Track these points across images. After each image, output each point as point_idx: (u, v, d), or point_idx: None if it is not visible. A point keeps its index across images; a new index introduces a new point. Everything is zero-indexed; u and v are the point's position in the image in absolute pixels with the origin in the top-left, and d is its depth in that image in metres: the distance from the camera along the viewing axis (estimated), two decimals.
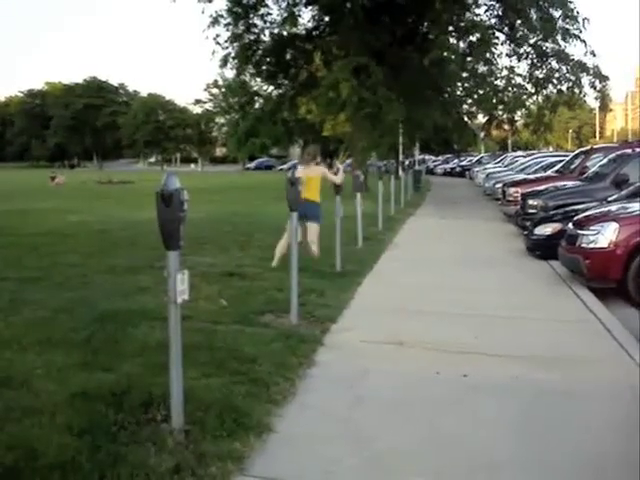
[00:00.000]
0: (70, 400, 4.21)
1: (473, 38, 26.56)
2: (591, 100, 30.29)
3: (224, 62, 27.78)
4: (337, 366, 5.48)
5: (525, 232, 12.63)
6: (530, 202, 14.41)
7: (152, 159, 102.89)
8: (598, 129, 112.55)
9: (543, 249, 11.11)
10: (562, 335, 6.66)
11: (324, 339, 6.17)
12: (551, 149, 64.94)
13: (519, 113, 27.85)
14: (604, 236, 8.70)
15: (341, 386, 4.99)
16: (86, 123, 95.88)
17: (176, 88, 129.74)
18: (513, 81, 26.36)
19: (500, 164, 37.39)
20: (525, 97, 26.90)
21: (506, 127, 29.96)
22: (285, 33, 28.45)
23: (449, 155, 64.34)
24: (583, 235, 8.94)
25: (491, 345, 6.19)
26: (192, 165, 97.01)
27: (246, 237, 12.93)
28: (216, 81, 79.64)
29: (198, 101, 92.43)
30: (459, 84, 29.61)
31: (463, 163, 56.05)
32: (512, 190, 17.99)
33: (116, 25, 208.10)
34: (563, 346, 6.22)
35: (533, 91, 26.99)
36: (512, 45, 26.91)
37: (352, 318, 7.12)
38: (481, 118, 32.34)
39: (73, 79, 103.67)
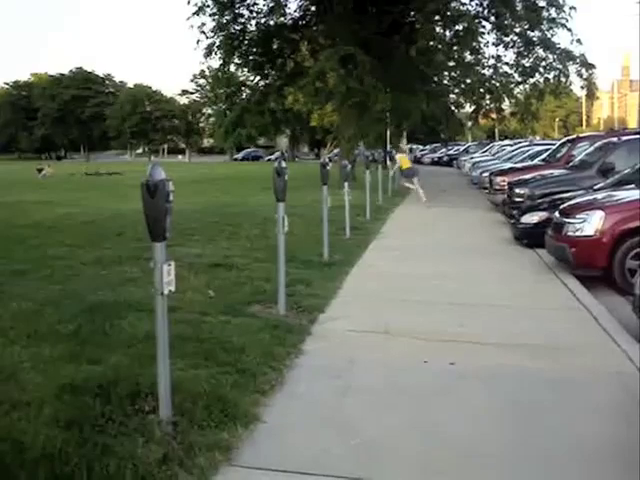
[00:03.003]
0: (57, 392, 4.21)
1: (459, 27, 26.56)
2: (577, 89, 30.42)
3: (209, 52, 27.63)
4: (325, 355, 5.50)
5: (512, 221, 12.68)
6: (517, 191, 14.46)
7: (139, 150, 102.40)
8: (585, 117, 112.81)
9: (530, 237, 11.17)
10: (548, 323, 6.69)
11: (312, 329, 6.19)
12: (538, 138, 65.09)
13: (506, 102, 27.90)
14: (590, 224, 8.75)
15: (329, 375, 5.01)
16: (73, 114, 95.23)
17: (163, 79, 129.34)
18: (500, 70, 26.44)
19: (487, 153, 37.45)
20: (512, 86, 26.96)
21: (494, 116, 29.99)
22: (272, 23, 28.37)
23: (436, 144, 64.36)
24: (569, 223, 8.99)
25: (477, 333, 6.21)
26: (179, 156, 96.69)
27: (234, 228, 12.92)
28: (203, 71, 79.16)
29: (185, 92, 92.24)
30: (446, 73, 29.65)
31: (450, 152, 56.03)
32: (499, 179, 18.04)
33: (102, 15, 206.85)
34: (549, 334, 6.26)
35: (520, 80, 27.07)
36: (498, 34, 26.94)
37: (339, 308, 7.13)
38: (468, 107, 32.39)
39: (59, 70, 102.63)
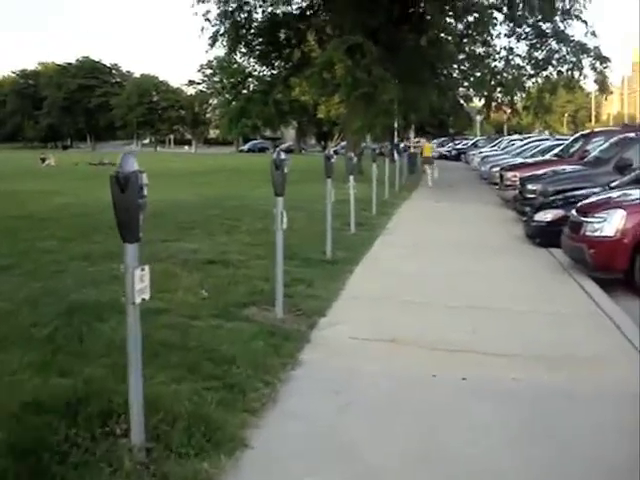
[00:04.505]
0: (18, 412, 3.71)
1: (471, 18, 25.96)
2: (590, 83, 29.78)
3: (214, 40, 27.02)
4: (324, 367, 5.00)
5: (524, 218, 12.15)
6: (529, 187, 13.94)
7: (146, 140, 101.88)
8: (594, 113, 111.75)
9: (543, 236, 10.64)
10: (566, 330, 6.18)
11: (311, 335, 5.69)
12: (547, 133, 64.24)
13: (518, 95, 27.27)
14: (610, 224, 8.22)
15: (327, 391, 4.51)
16: (79, 104, 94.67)
17: (170, 69, 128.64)
18: (512, 62, 25.81)
19: (496, 147, 36.86)
20: (524, 79, 26.35)
21: (506, 110, 29.33)
22: (278, 12, 27.78)
23: (444, 138, 63.68)
24: (588, 223, 8.46)
25: (490, 342, 5.71)
26: (186, 147, 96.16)
27: (234, 221, 12.41)
28: (210, 62, 78.49)
29: (192, 82, 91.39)
30: (455, 66, 29.08)
31: (458, 146, 55.45)
32: (510, 174, 17.52)
33: (111, 4, 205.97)
34: (568, 343, 5.76)
35: (532, 72, 26.43)
36: (511, 25, 26.29)
37: (342, 311, 6.64)
38: (477, 101, 31.80)
39: (66, 59, 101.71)
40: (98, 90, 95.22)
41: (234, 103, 31.27)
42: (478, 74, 27.05)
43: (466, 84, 29.26)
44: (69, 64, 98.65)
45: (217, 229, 11.43)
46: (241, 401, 4.12)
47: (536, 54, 26.00)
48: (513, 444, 3.82)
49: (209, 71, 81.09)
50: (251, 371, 4.56)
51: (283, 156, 6.21)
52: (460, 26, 27.59)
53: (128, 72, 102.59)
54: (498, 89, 26.70)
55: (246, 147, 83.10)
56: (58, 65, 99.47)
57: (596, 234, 8.30)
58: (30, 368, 4.40)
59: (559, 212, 10.57)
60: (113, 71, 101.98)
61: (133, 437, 3.42)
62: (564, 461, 3.61)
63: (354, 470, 3.48)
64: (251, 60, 29.46)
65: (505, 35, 26.51)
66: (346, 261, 9.10)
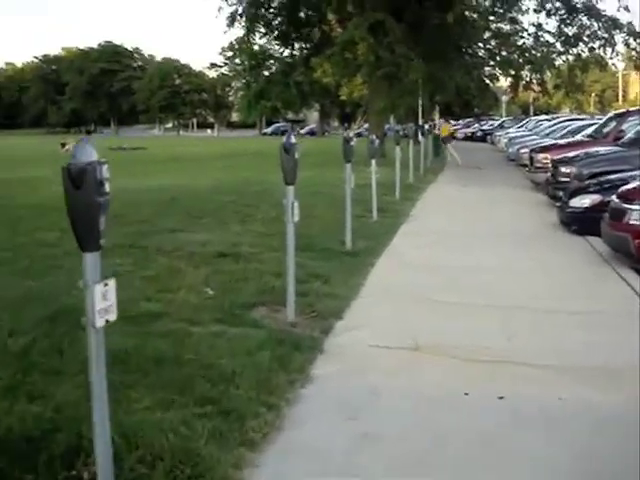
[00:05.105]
0: None
1: None
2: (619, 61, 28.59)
3: (232, 20, 26.19)
4: (338, 384, 4.34)
5: (558, 203, 11.34)
6: (562, 169, 13.11)
7: (169, 124, 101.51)
8: (621, 93, 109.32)
9: (580, 224, 9.86)
10: (615, 335, 5.43)
11: (325, 343, 5.03)
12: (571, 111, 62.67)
13: (548, 73, 26.23)
14: None
15: (341, 416, 3.86)
16: (101, 88, 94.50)
17: (192, 52, 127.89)
18: (541, 39, 24.79)
19: (523, 128, 35.81)
20: (554, 56, 25.32)
21: (535, 89, 28.24)
22: None
23: (470, 119, 62.45)
24: (632, 210, 7.69)
25: (529, 350, 5.01)
26: (208, 130, 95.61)
27: (249, 209, 11.76)
28: (231, 44, 77.76)
29: (214, 65, 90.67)
30: (481, 45, 28.14)
31: (484, 127, 54.25)
32: (541, 156, 16.69)
33: None
34: (619, 351, 5.01)
35: (562, 50, 25.36)
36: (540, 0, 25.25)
37: (361, 312, 5.97)
38: (504, 81, 30.81)
39: (88, 44, 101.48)
40: (120, 74, 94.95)
41: (254, 85, 30.54)
42: (504, 53, 26.07)
43: (492, 63, 28.32)
44: (91, 49, 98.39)
45: (231, 217, 10.79)
46: (238, 431, 3.48)
47: (566, 30, 24.96)
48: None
49: (230, 53, 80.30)
50: (253, 392, 3.91)
51: (293, 139, 5.54)
52: (487, 3, 26.65)
53: (150, 56, 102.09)
54: (527, 67, 25.69)
55: (269, 130, 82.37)
56: (80, 50, 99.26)
57: None
58: None
59: (597, 197, 9.80)
60: (135, 55, 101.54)
61: None
62: None
63: None
64: (270, 40, 28.67)
65: (534, 10, 25.47)
66: (367, 252, 8.43)
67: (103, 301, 2.66)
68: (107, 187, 2.62)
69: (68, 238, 8.45)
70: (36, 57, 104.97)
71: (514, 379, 4.44)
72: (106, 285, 2.68)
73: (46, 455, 3.06)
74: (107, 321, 2.71)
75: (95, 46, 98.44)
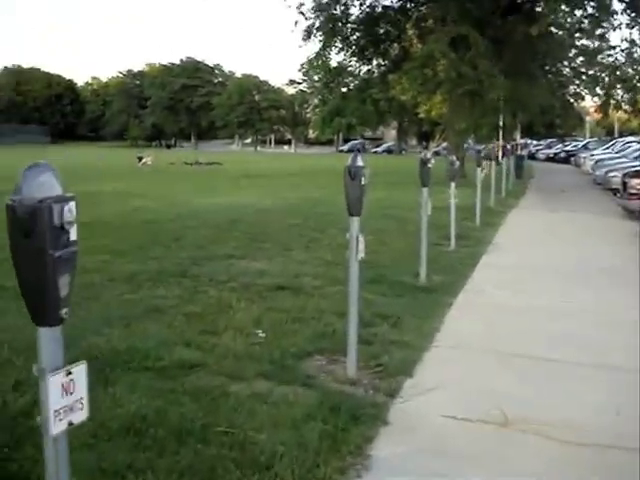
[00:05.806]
0: None
1: (588, 8, 23.59)
2: None
3: (308, 34, 25.65)
4: (403, 471, 3.43)
5: None
6: None
7: (248, 140, 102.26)
8: None
9: None
10: None
11: (390, 411, 4.11)
12: None
13: None
14: None
15: None
16: (182, 103, 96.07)
17: (272, 68, 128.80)
18: (635, 55, 23.25)
19: (609, 150, 34.04)
20: None
21: (627, 109, 26.58)
22: (377, 4, 26.18)
23: (552, 139, 60.35)
24: None
25: None
26: (285, 147, 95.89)
27: (316, 233, 10.95)
28: (310, 60, 77.87)
29: (292, 82, 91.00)
30: (566, 63, 26.77)
31: (567, 148, 52.20)
32: (636, 181, 15.32)
33: (214, 5, 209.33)
34: None
35: None
36: (633, 15, 23.74)
37: (435, 367, 5.03)
38: (589, 100, 29.26)
39: (171, 60, 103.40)
40: (201, 90, 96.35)
41: (330, 100, 29.90)
42: (591, 72, 24.66)
43: (577, 82, 26.89)
44: (173, 64, 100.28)
45: (295, 242, 9.99)
46: None
47: None
48: None
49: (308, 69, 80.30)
50: None
51: (360, 162, 4.66)
52: (574, 17, 25.30)
53: (230, 72, 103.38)
54: (618, 86, 24.18)
55: (346, 147, 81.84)
56: (163, 65, 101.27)
57: None
58: None
59: None
60: (215, 71, 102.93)
61: None
62: None
63: None
64: (347, 56, 27.95)
65: (626, 25, 23.96)
66: (443, 288, 7.48)
67: (65, 396, 1.84)
68: (73, 235, 1.80)
69: (114, 262, 7.83)
70: (120, 72, 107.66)
71: (632, 472, 3.44)
72: (69, 374, 1.86)
73: None
74: (70, 424, 1.89)
75: (177, 62, 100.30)
